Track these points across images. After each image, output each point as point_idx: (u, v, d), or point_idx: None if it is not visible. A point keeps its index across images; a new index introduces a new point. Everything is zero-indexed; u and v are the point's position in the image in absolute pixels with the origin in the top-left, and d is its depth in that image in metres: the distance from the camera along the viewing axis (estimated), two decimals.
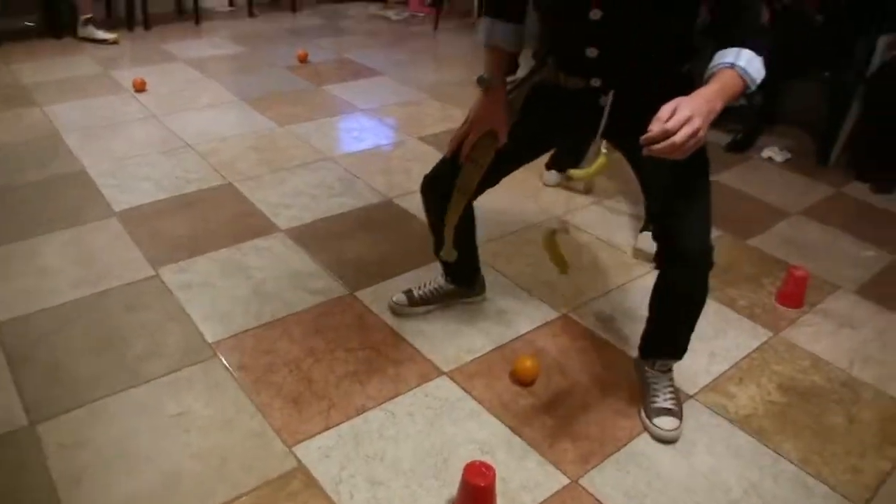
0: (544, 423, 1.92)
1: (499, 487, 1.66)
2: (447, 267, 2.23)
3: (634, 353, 2.09)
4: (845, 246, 2.92)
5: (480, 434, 1.87)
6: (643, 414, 1.94)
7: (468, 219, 2.07)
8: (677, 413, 1.92)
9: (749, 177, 3.48)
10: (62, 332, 2.13)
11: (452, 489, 1.70)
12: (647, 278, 2.51)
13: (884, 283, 2.68)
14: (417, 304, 2.27)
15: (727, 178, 3.46)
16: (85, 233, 2.63)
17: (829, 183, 3.46)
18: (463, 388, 2.02)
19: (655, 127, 1.35)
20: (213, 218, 2.78)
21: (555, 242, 2.00)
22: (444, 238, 1.93)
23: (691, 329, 1.90)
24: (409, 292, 2.28)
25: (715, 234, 2.84)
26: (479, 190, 1.92)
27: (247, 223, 2.75)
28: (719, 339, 2.29)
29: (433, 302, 2.29)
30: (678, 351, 1.95)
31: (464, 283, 2.30)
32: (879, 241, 2.96)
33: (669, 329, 1.93)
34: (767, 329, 2.36)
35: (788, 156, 3.69)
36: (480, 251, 2.27)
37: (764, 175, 3.52)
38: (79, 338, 2.11)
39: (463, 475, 1.60)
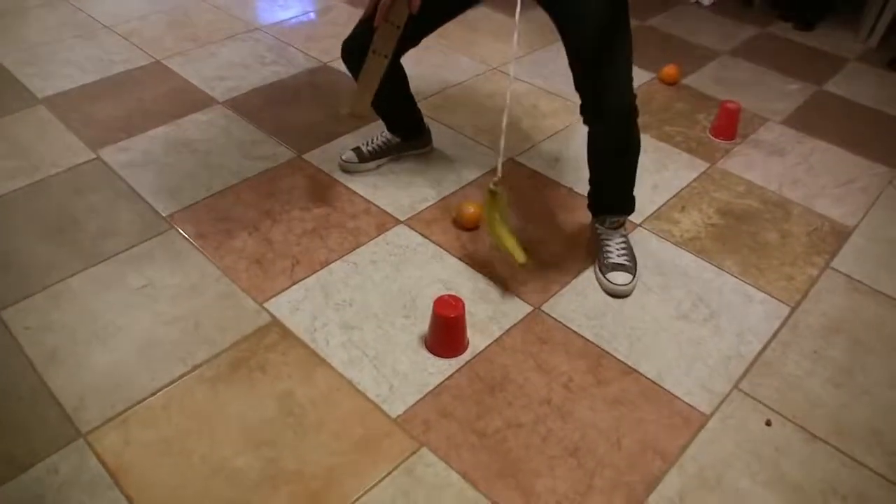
0: (504, 259, 2.00)
1: (467, 320, 1.75)
2: (389, 122, 2.27)
3: (580, 188, 2.17)
4: (772, 81, 3.03)
5: (444, 274, 1.95)
6: (597, 269, 1.97)
7: (399, 75, 2.10)
8: (630, 268, 1.94)
9: (678, 20, 3.52)
10: (7, 223, 2.09)
11: (424, 325, 1.78)
12: None
13: (807, 113, 2.80)
14: (367, 159, 2.29)
15: (657, 22, 3.49)
16: (10, 123, 2.53)
17: (754, 23, 3.53)
18: (422, 234, 2.08)
19: None
20: (146, 96, 2.70)
21: (500, 217, 1.79)
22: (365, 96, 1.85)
23: (632, 181, 1.95)
24: (357, 149, 2.30)
25: (648, 76, 2.94)
26: (402, 49, 1.91)
27: (182, 98, 2.69)
28: (660, 173, 2.39)
29: (383, 155, 2.32)
30: (626, 206, 2.00)
31: (409, 135, 2.33)
32: (803, 74, 3.07)
33: (611, 183, 1.97)
34: (704, 160, 2.47)
35: None
36: (423, 106, 2.28)
37: (693, 18, 3.56)
38: (27, 226, 2.08)
39: (433, 309, 1.68)
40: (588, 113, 1.80)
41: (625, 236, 2.01)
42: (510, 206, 1.89)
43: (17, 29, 3.17)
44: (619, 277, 1.92)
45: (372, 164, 2.31)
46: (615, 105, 1.76)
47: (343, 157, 2.30)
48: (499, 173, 1.70)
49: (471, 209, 2.08)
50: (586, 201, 2.06)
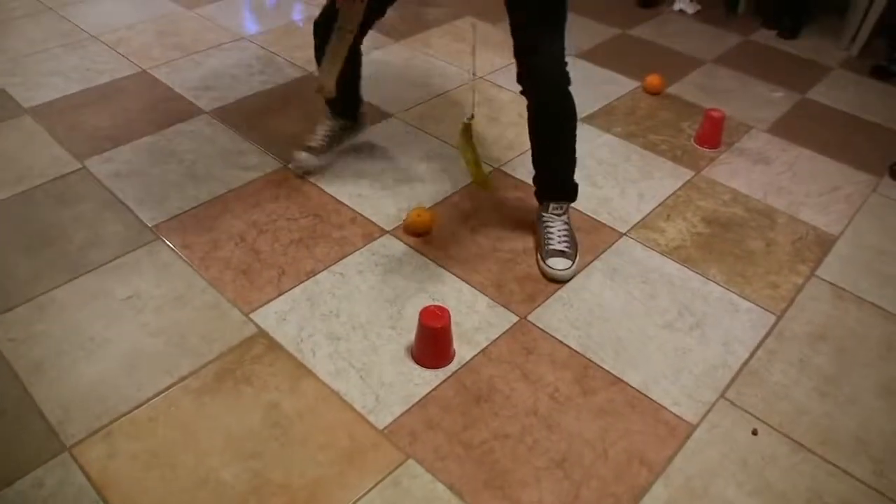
0: (490, 270, 2.01)
1: (453, 331, 1.75)
2: (336, 103, 2.28)
3: (581, 205, 2.20)
4: (756, 89, 3.05)
5: (431, 284, 1.95)
6: (538, 256, 2.03)
7: (355, 54, 2.14)
8: (570, 255, 2.00)
9: (662, 29, 3.54)
10: None
11: (410, 336, 1.78)
12: None
13: (792, 121, 2.82)
14: (323, 150, 2.31)
15: (641, 31, 3.51)
16: None
17: (738, 31, 3.56)
18: (408, 244, 2.08)
19: None
20: (132, 106, 2.69)
21: (471, 143, 1.95)
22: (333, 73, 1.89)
23: (573, 163, 2.02)
24: (308, 148, 2.30)
25: (633, 85, 2.96)
26: (368, 22, 1.94)
27: (168, 108, 2.68)
28: (646, 181, 2.40)
29: (334, 144, 2.35)
30: (568, 192, 2.07)
31: (351, 115, 2.36)
32: (787, 82, 3.10)
33: (554, 164, 2.03)
34: (689, 169, 2.49)
35: (699, 7, 3.75)
36: (408, 116, 2.28)
37: (676, 27, 3.58)
38: (10, 237, 2.06)
39: (419, 319, 1.68)
40: (529, 80, 1.86)
41: (567, 223, 2.06)
42: (478, 142, 2.02)
43: (1, 39, 3.16)
44: (559, 263, 1.99)
45: (328, 156, 2.33)
46: (552, 70, 1.84)
47: (300, 158, 2.29)
48: (473, 109, 1.95)
49: (423, 215, 2.10)
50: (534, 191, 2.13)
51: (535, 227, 2.12)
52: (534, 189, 2.11)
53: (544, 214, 2.06)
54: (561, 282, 1.98)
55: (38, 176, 2.31)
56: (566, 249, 2.00)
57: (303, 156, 2.28)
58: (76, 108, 2.67)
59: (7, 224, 2.11)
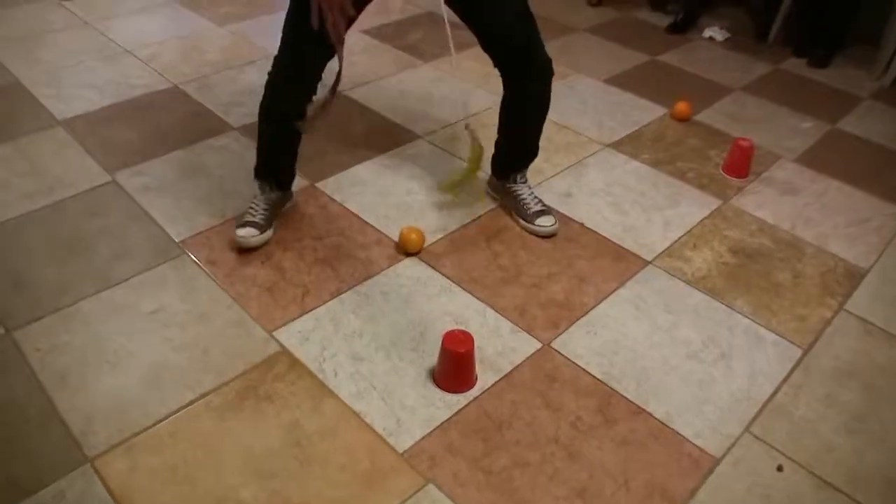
0: (514, 294, 2.00)
1: (476, 355, 1.74)
2: (286, 173, 2.17)
3: (592, 223, 2.20)
4: (785, 118, 3.03)
5: (454, 308, 1.95)
6: (522, 221, 2.23)
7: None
8: (549, 210, 2.23)
9: (691, 56, 3.54)
10: (21, 243, 2.10)
11: (432, 359, 1.78)
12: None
13: (821, 151, 2.80)
14: (266, 227, 2.10)
15: (669, 57, 3.51)
16: (29, 144, 2.56)
17: (768, 60, 3.55)
18: (432, 267, 2.08)
19: None
20: (163, 121, 2.72)
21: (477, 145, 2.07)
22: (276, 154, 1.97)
23: (541, 132, 2.20)
24: (247, 223, 2.09)
25: (661, 112, 2.95)
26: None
27: (199, 124, 2.71)
28: (672, 209, 2.39)
29: (273, 219, 2.15)
30: (533, 156, 2.25)
31: (288, 186, 2.22)
32: (817, 112, 3.08)
33: (527, 140, 2.20)
34: (716, 197, 2.47)
35: (728, 35, 3.75)
36: (436, 138, 2.29)
37: (705, 54, 3.58)
38: (40, 248, 2.09)
39: (442, 343, 1.68)
40: (523, 70, 2.00)
41: (530, 187, 2.27)
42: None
43: (38, 51, 3.22)
44: (547, 220, 2.20)
45: (271, 231, 2.13)
46: (544, 59, 2.00)
47: (240, 235, 2.06)
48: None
49: (413, 236, 2.10)
50: (503, 171, 2.28)
51: (501, 196, 2.32)
52: (496, 169, 2.29)
53: (512, 186, 2.25)
54: (552, 236, 2.20)
55: (68, 187, 2.34)
56: (545, 207, 2.23)
57: (244, 231, 2.07)
58: (108, 121, 2.71)
59: (37, 234, 2.14)
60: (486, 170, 2.26)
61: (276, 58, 1.96)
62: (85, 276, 2.00)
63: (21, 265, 2.03)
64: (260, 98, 2.00)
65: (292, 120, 1.92)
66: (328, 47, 1.76)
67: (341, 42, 1.72)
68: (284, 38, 1.91)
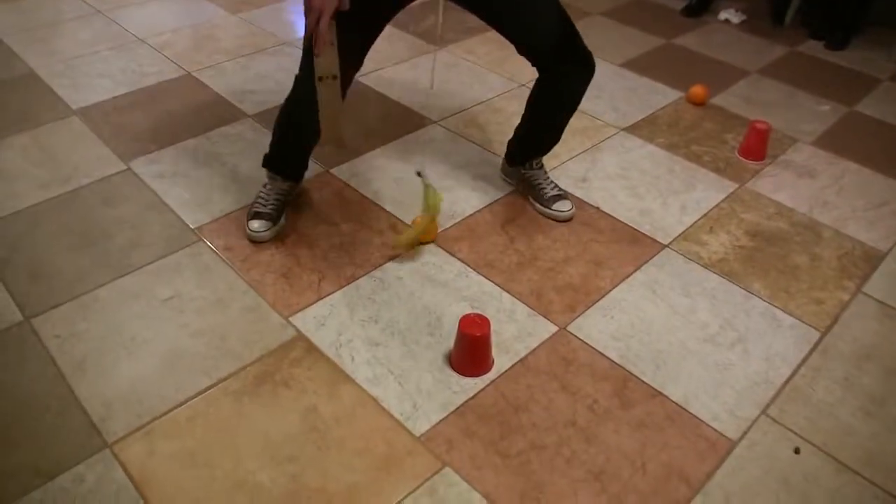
0: (530, 278, 2.00)
1: (492, 339, 1.74)
2: (299, 166, 2.15)
3: (608, 207, 2.18)
4: (802, 101, 3.00)
5: (470, 292, 1.95)
6: (539, 206, 2.23)
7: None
8: (566, 194, 2.23)
9: (707, 39, 3.51)
10: (38, 232, 2.12)
11: (449, 343, 1.78)
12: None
13: (838, 134, 2.77)
14: (277, 218, 2.10)
15: (685, 40, 3.48)
16: (45, 134, 2.57)
17: (784, 42, 3.51)
18: (448, 252, 2.08)
19: None
20: (177, 109, 2.73)
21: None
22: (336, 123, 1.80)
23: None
24: (258, 214, 2.08)
25: (676, 95, 2.93)
26: (347, 75, 1.81)
27: (213, 111, 2.71)
28: (689, 193, 2.37)
29: (284, 208, 2.14)
30: (555, 144, 2.21)
31: (300, 177, 2.19)
32: (834, 95, 3.04)
33: (556, 131, 2.15)
34: (733, 181, 2.45)
35: (744, 17, 3.71)
36: (451, 122, 2.28)
37: (721, 37, 3.54)
38: (58, 236, 2.10)
39: (459, 327, 1.68)
40: (564, 68, 1.93)
41: (546, 171, 2.26)
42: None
43: (53, 41, 3.23)
44: (564, 205, 2.20)
45: (283, 221, 2.12)
46: (587, 54, 1.93)
47: (253, 228, 2.06)
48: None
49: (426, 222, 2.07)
50: (512, 154, 2.28)
51: (517, 181, 2.31)
52: (515, 154, 2.25)
53: (528, 171, 2.25)
54: (569, 220, 2.20)
55: (84, 176, 2.35)
56: (561, 192, 2.23)
57: (256, 225, 2.07)
58: (122, 109, 2.72)
59: (54, 222, 2.15)
60: (490, 174, 2.24)
61: (296, 77, 1.91)
62: (101, 263, 2.01)
63: (38, 253, 2.04)
64: (273, 85, 1.98)
65: (310, 131, 1.84)
66: (347, 61, 1.74)
67: (325, 46, 1.65)
68: (302, 63, 1.86)
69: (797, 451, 1.59)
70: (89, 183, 2.32)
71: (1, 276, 1.96)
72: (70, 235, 2.11)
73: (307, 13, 1.63)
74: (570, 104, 2.05)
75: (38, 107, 2.72)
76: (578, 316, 1.89)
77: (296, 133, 2.02)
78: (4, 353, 1.75)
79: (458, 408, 1.65)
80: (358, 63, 1.89)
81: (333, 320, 1.85)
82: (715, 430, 1.63)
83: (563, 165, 2.47)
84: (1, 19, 3.41)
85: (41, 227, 2.13)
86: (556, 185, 2.24)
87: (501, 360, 1.76)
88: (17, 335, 1.79)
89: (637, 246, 2.14)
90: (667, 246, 2.15)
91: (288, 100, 1.99)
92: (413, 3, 1.80)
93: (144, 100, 2.78)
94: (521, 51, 1.91)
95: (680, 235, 2.19)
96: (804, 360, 1.81)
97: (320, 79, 1.71)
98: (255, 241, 2.08)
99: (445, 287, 1.96)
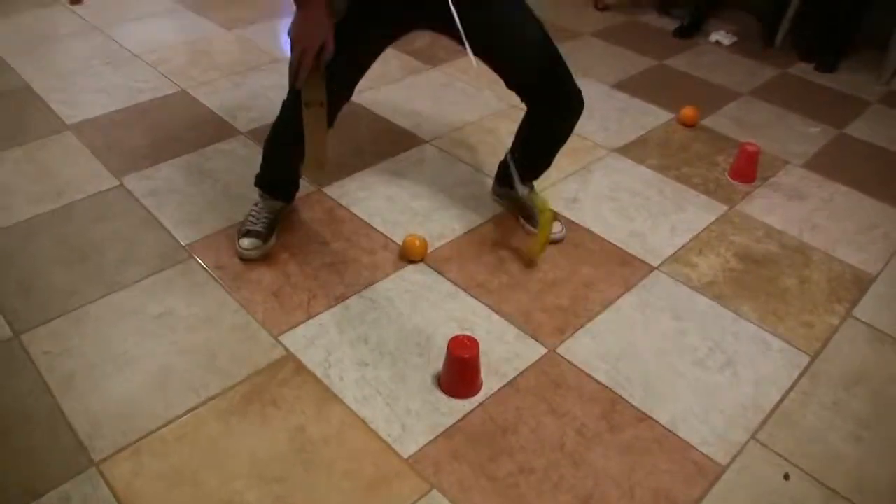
0: (519, 300, 2.00)
1: (481, 361, 1.74)
2: (289, 185, 2.17)
3: (598, 228, 2.18)
4: (792, 123, 3.02)
5: (459, 313, 1.95)
6: (530, 227, 2.22)
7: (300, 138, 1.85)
8: (556, 216, 2.22)
9: (697, 61, 3.53)
10: (29, 247, 2.11)
11: (438, 364, 1.78)
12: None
13: (829, 157, 2.79)
14: (268, 236, 2.10)
15: (676, 62, 3.51)
16: (38, 148, 2.57)
17: (775, 64, 3.54)
18: (438, 272, 2.08)
19: None
20: (171, 125, 2.73)
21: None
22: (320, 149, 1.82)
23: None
24: (249, 233, 2.08)
25: (667, 117, 2.95)
26: (337, 104, 1.85)
27: (206, 128, 2.72)
28: (678, 214, 2.39)
29: (275, 226, 2.14)
30: (546, 169, 2.20)
31: (292, 197, 2.21)
32: (824, 117, 3.07)
33: (548, 158, 2.16)
34: (723, 203, 2.46)
35: (735, 39, 3.74)
36: (442, 142, 2.29)
37: (712, 58, 3.57)
38: (49, 251, 2.10)
39: (448, 349, 1.68)
40: (553, 105, 1.94)
41: (537, 194, 2.23)
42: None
43: (49, 56, 3.24)
44: (555, 226, 2.17)
45: (274, 239, 2.12)
46: (575, 92, 1.93)
47: (243, 246, 2.06)
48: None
49: (416, 243, 2.09)
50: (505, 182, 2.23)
51: (507, 202, 2.33)
52: (510, 180, 2.16)
53: (524, 195, 2.19)
54: (561, 241, 2.21)
55: (77, 191, 2.35)
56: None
57: (247, 242, 2.06)
58: (116, 125, 2.72)
59: (46, 237, 2.15)
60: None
61: (283, 102, 1.93)
62: (93, 279, 2.01)
63: (29, 268, 2.04)
64: (266, 102, 2.00)
65: (299, 152, 1.85)
66: (335, 93, 1.78)
67: (313, 73, 1.69)
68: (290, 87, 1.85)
69: (787, 476, 1.60)
70: (82, 198, 2.32)
71: None
72: (62, 251, 2.10)
73: (292, 47, 1.66)
74: (558, 138, 2.06)
75: (33, 121, 2.73)
76: (568, 338, 1.90)
77: (284, 155, 2.04)
78: None
79: (446, 430, 1.64)
80: (347, 93, 1.91)
81: (323, 340, 1.85)
82: (704, 454, 1.63)
83: (554, 186, 2.48)
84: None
85: (33, 241, 2.13)
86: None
87: (490, 382, 1.76)
88: (7, 351, 1.79)
89: (626, 268, 2.14)
90: (656, 268, 2.15)
91: (275, 124, 2.00)
92: (404, 36, 1.82)
93: (138, 116, 2.79)
94: (510, 86, 1.92)
95: (670, 257, 2.20)
96: (794, 385, 1.81)
97: (307, 105, 1.73)
98: (245, 259, 2.07)
99: (435, 308, 1.96)
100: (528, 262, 2.12)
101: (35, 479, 1.50)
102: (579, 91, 1.93)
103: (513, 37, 1.82)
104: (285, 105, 1.93)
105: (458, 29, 1.67)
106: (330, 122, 1.85)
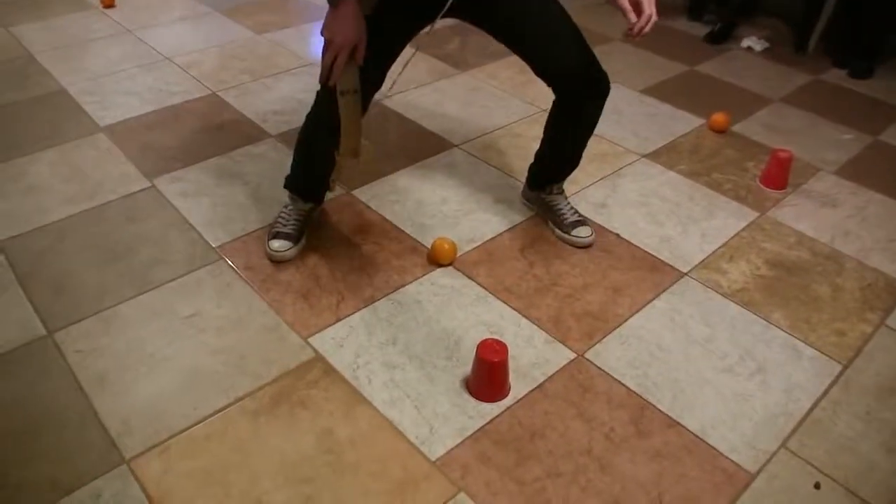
0: (549, 305, 1.99)
1: (510, 365, 1.74)
2: (320, 187, 2.11)
3: (627, 234, 2.17)
4: (825, 130, 2.99)
5: (488, 317, 1.95)
6: (559, 231, 2.23)
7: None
8: (586, 221, 2.24)
9: (729, 66, 3.51)
10: (63, 246, 2.15)
11: (466, 368, 1.78)
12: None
13: (861, 164, 2.76)
14: (298, 238, 2.12)
15: (707, 68, 3.48)
16: (72, 150, 2.61)
17: (807, 70, 3.50)
18: (467, 276, 2.08)
19: (640, 21, 1.71)
20: (202, 128, 2.76)
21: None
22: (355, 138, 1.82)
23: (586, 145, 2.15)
24: (278, 234, 2.10)
25: (698, 122, 2.93)
26: (367, 92, 1.84)
27: (237, 131, 2.75)
28: (709, 220, 2.37)
29: (305, 228, 2.16)
30: (575, 168, 2.21)
31: (322, 199, 2.21)
32: (857, 123, 3.03)
33: (575, 154, 2.16)
34: (754, 209, 2.44)
35: (767, 45, 3.71)
36: (471, 146, 2.29)
37: (744, 64, 3.54)
38: (81, 251, 2.13)
39: (477, 352, 1.68)
40: (582, 91, 1.94)
41: (567, 197, 2.28)
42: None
43: (82, 59, 3.29)
44: (584, 231, 2.20)
45: (304, 241, 2.14)
46: (603, 77, 1.93)
47: (273, 248, 2.08)
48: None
49: (445, 246, 2.10)
50: (530, 180, 2.29)
51: (537, 206, 2.33)
52: (535, 179, 2.26)
53: (548, 196, 2.26)
54: (588, 246, 2.21)
55: (109, 192, 2.38)
56: (581, 217, 2.23)
57: (277, 244, 2.08)
58: (148, 127, 2.76)
59: (79, 238, 2.18)
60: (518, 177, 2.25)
61: (318, 92, 1.95)
62: (124, 279, 2.03)
63: (62, 268, 2.07)
64: (297, 105, 2.01)
65: (333, 146, 1.85)
66: (368, 80, 1.79)
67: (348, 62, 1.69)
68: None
69: (818, 486, 1.57)
70: (114, 199, 2.35)
71: (25, 290, 1.99)
72: (94, 251, 2.13)
73: (325, 51, 1.68)
74: (587, 127, 2.07)
75: (67, 123, 2.77)
76: (596, 343, 1.89)
77: (319, 151, 2.03)
78: (27, 366, 1.77)
79: (474, 433, 1.64)
80: (378, 81, 1.91)
81: (352, 342, 1.86)
82: (733, 462, 1.61)
83: (583, 191, 2.47)
84: (33, 37, 3.49)
85: (66, 241, 2.16)
86: (576, 211, 2.25)
87: (518, 386, 1.76)
88: (40, 349, 1.82)
89: (656, 273, 2.13)
90: (686, 274, 2.14)
91: (308, 120, 2.01)
92: (434, 27, 1.82)
93: (170, 118, 2.82)
94: (540, 75, 1.92)
95: (700, 264, 2.18)
96: (825, 393, 1.79)
97: (342, 93, 1.75)
98: (275, 261, 2.09)
99: (464, 311, 1.96)
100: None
101: (66, 475, 1.53)
102: (606, 74, 1.93)
103: (548, 24, 1.85)
104: (318, 100, 1.94)
105: (482, 15, 1.73)
106: (363, 110, 1.86)
